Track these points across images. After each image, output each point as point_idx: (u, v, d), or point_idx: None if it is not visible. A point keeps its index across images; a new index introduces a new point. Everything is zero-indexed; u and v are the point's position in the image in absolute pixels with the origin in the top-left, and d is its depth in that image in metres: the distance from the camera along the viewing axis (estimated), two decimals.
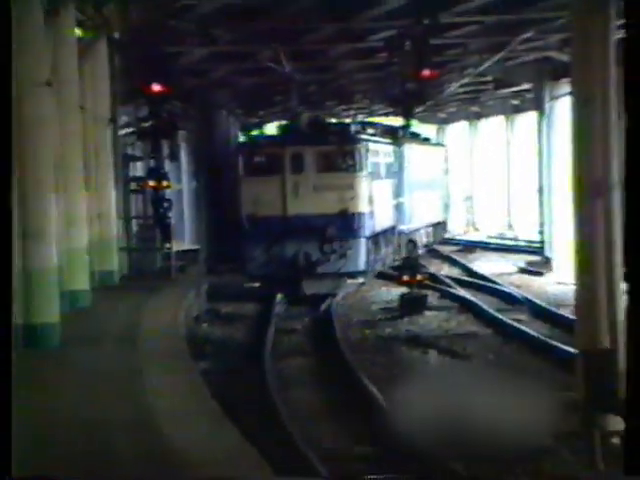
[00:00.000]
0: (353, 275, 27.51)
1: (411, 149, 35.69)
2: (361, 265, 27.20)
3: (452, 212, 50.14)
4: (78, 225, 19.52)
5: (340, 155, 27.04)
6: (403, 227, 33.14)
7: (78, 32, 20.40)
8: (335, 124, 33.58)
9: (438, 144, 48.80)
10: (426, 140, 43.53)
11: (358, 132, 29.55)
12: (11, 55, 5.51)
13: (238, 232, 27.44)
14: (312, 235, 26.18)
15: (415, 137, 39.11)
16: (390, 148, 32.34)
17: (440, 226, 44.07)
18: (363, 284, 28.86)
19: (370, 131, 31.80)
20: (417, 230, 36.37)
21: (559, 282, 28.77)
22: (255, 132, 36.87)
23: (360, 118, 45.72)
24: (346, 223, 26.50)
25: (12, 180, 5.78)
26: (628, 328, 5.42)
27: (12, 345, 5.51)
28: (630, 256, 5.33)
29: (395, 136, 33.97)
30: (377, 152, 29.94)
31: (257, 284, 27.35)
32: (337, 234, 26.39)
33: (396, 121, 38.91)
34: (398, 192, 32.59)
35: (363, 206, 27.05)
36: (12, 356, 5.50)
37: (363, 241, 27.24)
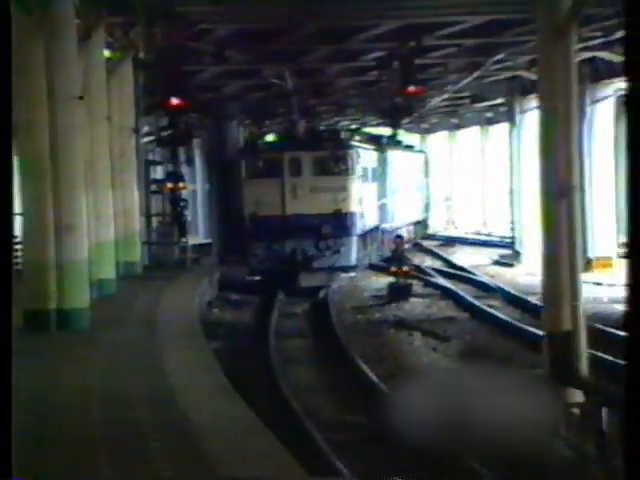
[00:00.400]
0: (345, 269, 27.43)
1: (394, 155, 35.52)
2: (353, 260, 26.99)
3: (433, 211, 50.12)
4: (105, 221, 19.54)
5: (334, 160, 26.84)
6: (386, 225, 32.88)
7: (107, 53, 20.43)
8: (327, 131, 33.59)
9: (419, 150, 48.70)
10: (408, 147, 43.41)
11: (349, 139, 29.35)
12: (11, 57, 5.43)
13: (241, 230, 27.13)
14: (308, 233, 25.99)
15: (397, 144, 38.95)
16: (375, 154, 32.10)
17: (421, 224, 43.99)
18: (354, 277, 28.69)
19: (357, 138, 31.57)
20: (399, 228, 36.17)
21: (528, 273, 28.80)
22: (257, 139, 36.33)
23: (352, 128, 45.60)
24: (339, 222, 26.28)
25: (12, 177, 5.66)
26: (628, 328, 5.33)
27: (11, 348, 5.35)
28: (631, 257, 5.26)
29: (379, 143, 33.77)
30: (364, 157, 29.71)
31: (258, 277, 27.03)
32: (331, 232, 26.21)
33: (385, 131, 38.89)
34: (382, 194, 32.30)
35: (355, 206, 26.87)
36: (11, 360, 5.36)
37: (354, 238, 26.99)
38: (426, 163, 47.00)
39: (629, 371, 5.04)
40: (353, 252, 26.88)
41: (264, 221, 26.07)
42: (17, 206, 14.07)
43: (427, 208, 46.35)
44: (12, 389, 5.31)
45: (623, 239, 31.06)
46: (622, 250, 29.55)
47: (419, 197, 43.09)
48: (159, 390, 10.33)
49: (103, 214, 19.35)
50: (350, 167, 26.84)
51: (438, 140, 56.63)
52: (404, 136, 43.69)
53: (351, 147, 27.71)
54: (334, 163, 26.79)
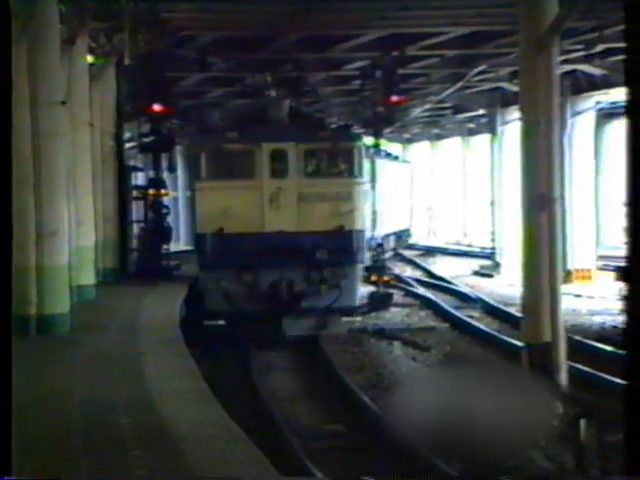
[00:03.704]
0: (347, 311, 19.69)
1: (381, 165, 35.58)
2: (356, 298, 19.56)
3: (415, 221, 50.27)
4: (86, 226, 19.49)
5: (334, 155, 19.43)
6: (374, 234, 32.81)
7: (90, 58, 20.41)
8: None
9: (404, 161, 48.86)
10: (395, 158, 43.59)
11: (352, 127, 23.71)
12: (10, 63, 5.44)
13: (199, 253, 19.48)
14: (296, 259, 18.63)
15: (385, 155, 39.08)
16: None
17: (405, 233, 44.09)
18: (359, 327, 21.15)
19: None
20: (386, 236, 36.18)
21: (508, 284, 28.91)
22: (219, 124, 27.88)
23: None
24: (341, 244, 18.77)
25: (12, 180, 5.67)
26: (628, 327, 5.37)
27: (11, 348, 5.35)
28: (631, 257, 5.31)
29: (367, 153, 33.72)
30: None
31: (221, 322, 19.37)
32: (329, 258, 18.72)
33: (367, 140, 38.96)
34: (371, 202, 31.97)
35: (361, 222, 19.57)
36: (12, 358, 5.36)
37: (360, 267, 19.75)
38: (411, 173, 47.11)
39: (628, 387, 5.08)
40: (358, 287, 19.55)
41: (232, 242, 18.59)
42: None
43: (410, 218, 46.47)
44: (11, 389, 5.32)
45: (602, 252, 31.27)
46: (601, 263, 29.76)
47: (403, 207, 43.22)
48: (135, 398, 10.30)
49: (84, 219, 19.30)
50: (356, 166, 19.46)
51: (420, 150, 56.80)
52: (386, 145, 43.84)
53: (358, 138, 20.77)
54: (335, 160, 19.48)
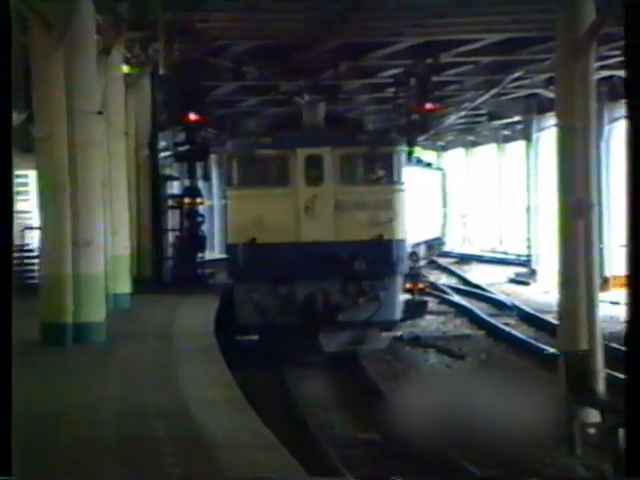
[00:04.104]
0: (386, 326, 18.67)
1: (414, 172, 35.40)
2: (397, 312, 18.61)
3: (449, 228, 50.09)
4: (121, 235, 19.62)
5: (374, 161, 18.81)
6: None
7: (126, 69, 20.58)
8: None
9: (438, 168, 48.73)
10: (428, 165, 43.48)
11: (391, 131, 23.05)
12: (10, 63, 5.47)
13: (231, 266, 19.04)
14: (333, 270, 17.90)
15: (418, 162, 38.98)
16: None
17: (437, 241, 43.92)
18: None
19: None
20: (418, 244, 36.00)
21: (544, 291, 28.73)
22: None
23: None
24: (380, 255, 17.97)
25: (12, 181, 5.70)
26: (628, 328, 5.31)
27: (11, 347, 5.37)
28: (632, 258, 5.25)
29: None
30: None
31: (254, 337, 18.38)
32: (368, 269, 17.94)
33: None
34: None
35: (403, 231, 18.66)
36: (11, 358, 5.38)
37: (401, 279, 19.04)
38: (443, 180, 46.94)
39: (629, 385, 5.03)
40: (398, 299, 18.69)
41: (265, 252, 17.89)
42: (36, 220, 14.14)
43: (443, 226, 46.29)
44: (12, 389, 5.32)
45: None
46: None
47: (435, 215, 43.06)
48: (171, 406, 10.34)
49: (119, 228, 19.43)
50: (396, 172, 18.71)
51: (454, 157, 56.63)
52: (420, 153, 43.78)
53: (399, 142, 19.71)
54: (373, 165, 18.89)
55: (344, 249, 17.89)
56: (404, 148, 19.78)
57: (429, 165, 44.02)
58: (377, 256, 17.87)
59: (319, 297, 17.76)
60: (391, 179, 18.53)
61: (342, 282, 17.91)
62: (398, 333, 19.65)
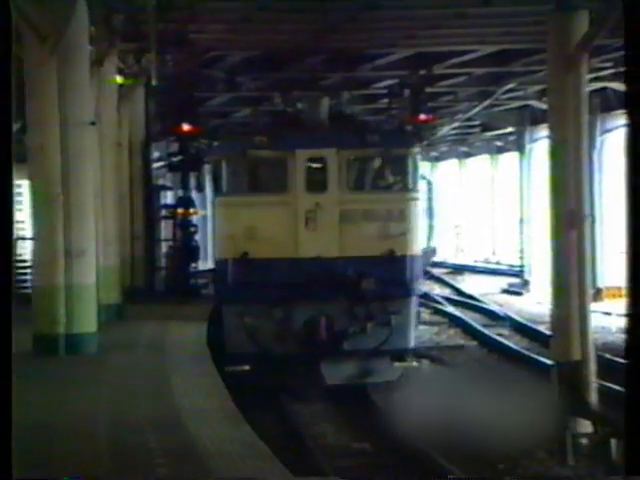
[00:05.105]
0: (399, 354, 15.95)
1: None
2: (411, 339, 15.93)
3: (442, 239, 50.12)
4: (114, 245, 19.60)
5: (385, 164, 16.32)
6: None
7: (119, 80, 20.61)
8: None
9: (422, 177, 48.50)
10: None
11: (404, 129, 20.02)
12: (10, 63, 5.49)
13: (217, 286, 16.95)
14: (337, 291, 15.42)
15: None
16: None
17: (428, 252, 43.80)
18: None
19: None
20: None
21: (537, 302, 28.76)
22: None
23: None
24: (391, 273, 15.50)
25: (12, 181, 5.70)
26: (628, 329, 5.34)
27: (12, 347, 5.39)
28: (631, 269, 5.28)
29: None
30: None
31: (245, 367, 15.38)
32: (377, 289, 15.42)
33: None
34: None
35: (416, 246, 16.26)
36: (12, 358, 5.39)
37: (416, 301, 16.21)
38: (429, 191, 46.85)
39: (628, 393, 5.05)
40: (412, 324, 15.92)
41: (259, 269, 15.40)
42: (28, 231, 14.14)
43: (432, 236, 46.19)
44: (12, 389, 5.32)
45: None
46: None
47: (424, 225, 42.92)
48: (163, 416, 10.33)
49: (111, 238, 19.42)
50: (411, 178, 16.26)
51: (448, 168, 56.74)
52: None
53: (414, 143, 17.33)
54: (385, 170, 16.40)
55: (350, 266, 15.40)
56: (420, 150, 17.49)
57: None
58: (388, 274, 15.38)
59: (321, 322, 15.26)
60: (405, 186, 16.09)
61: (348, 305, 15.40)
62: (413, 363, 16.45)
